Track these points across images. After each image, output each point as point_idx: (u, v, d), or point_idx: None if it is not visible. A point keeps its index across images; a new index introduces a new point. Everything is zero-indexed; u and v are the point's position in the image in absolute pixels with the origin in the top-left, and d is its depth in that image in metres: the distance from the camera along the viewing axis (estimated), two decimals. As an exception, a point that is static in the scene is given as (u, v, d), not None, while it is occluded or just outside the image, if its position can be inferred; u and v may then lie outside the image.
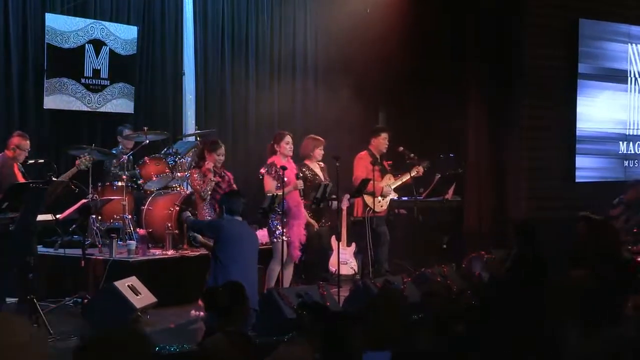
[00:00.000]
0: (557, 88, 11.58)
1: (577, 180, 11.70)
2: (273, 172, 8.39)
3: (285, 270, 8.42)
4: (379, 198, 9.51)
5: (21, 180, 7.92)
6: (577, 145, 11.71)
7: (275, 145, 8.53)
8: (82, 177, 8.75)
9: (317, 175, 9.04)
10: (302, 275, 9.34)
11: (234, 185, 8.50)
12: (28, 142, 8.23)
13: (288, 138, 8.54)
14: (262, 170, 8.49)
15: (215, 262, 7.16)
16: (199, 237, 7.72)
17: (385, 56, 11.74)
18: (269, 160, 8.53)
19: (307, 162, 9.09)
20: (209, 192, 8.37)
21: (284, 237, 8.25)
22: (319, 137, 9.16)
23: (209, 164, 8.36)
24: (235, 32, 11.48)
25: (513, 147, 11.34)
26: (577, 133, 11.70)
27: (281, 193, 8.07)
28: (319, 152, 9.06)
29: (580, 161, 11.76)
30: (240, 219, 7.35)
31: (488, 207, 11.46)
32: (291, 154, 8.54)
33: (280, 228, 8.27)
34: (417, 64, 11.76)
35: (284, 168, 8.14)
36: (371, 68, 11.80)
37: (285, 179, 8.18)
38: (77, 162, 8.60)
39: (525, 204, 11.20)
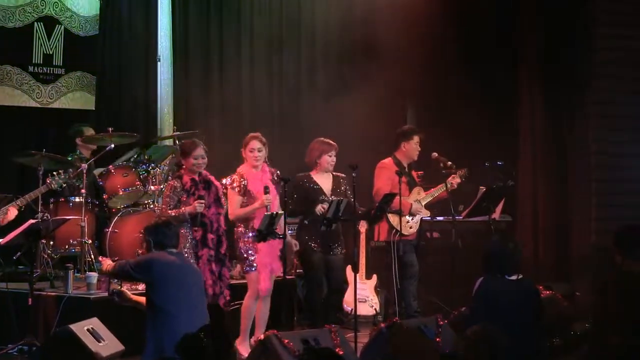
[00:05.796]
0: (634, 78, 11.56)
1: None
2: (237, 185, 8.45)
3: (255, 306, 8.45)
4: (407, 217, 9.51)
5: None
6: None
7: (242, 151, 8.60)
8: (27, 189, 8.71)
9: (321, 189, 9.03)
10: (309, 316, 9.35)
11: (223, 199, 8.50)
12: None
13: (254, 144, 8.52)
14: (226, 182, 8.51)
15: (152, 311, 6.81)
16: (127, 292, 7.47)
17: (414, 35, 11.72)
18: (237, 171, 8.60)
19: (312, 173, 9.08)
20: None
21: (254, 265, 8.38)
22: (329, 141, 9.12)
23: (191, 207, 8.16)
24: (225, 3, 11.50)
25: (579, 153, 11.32)
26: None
27: (281, 212, 8.11)
28: (327, 160, 9.02)
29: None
30: (174, 251, 7.14)
31: (546, 230, 11.43)
32: (258, 163, 8.53)
33: (253, 254, 8.37)
34: (456, 46, 11.75)
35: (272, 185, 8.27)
36: (396, 51, 11.78)
37: (252, 193, 8.32)
38: (48, 180, 8.58)
39: (595, 224, 11.16)
